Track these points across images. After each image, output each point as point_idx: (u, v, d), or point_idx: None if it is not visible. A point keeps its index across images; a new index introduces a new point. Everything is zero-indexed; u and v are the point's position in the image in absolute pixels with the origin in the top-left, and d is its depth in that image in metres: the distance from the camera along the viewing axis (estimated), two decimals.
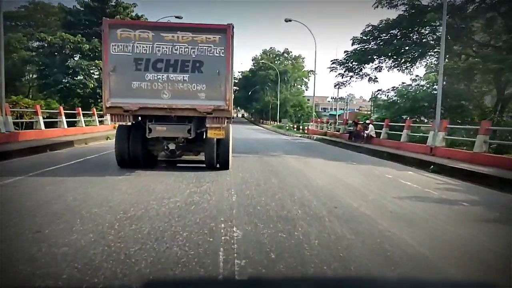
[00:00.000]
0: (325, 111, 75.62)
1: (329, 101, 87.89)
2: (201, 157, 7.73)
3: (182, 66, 6.44)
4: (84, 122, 16.22)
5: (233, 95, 7.22)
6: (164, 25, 7.49)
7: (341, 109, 68.69)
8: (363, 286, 2.34)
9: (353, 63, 17.90)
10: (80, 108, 15.77)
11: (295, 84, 63.07)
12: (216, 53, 6.45)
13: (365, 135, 15.44)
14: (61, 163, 7.64)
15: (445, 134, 10.88)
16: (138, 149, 6.94)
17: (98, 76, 25.25)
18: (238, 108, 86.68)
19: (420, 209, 4.84)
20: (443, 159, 9.65)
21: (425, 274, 2.77)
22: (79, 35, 20.35)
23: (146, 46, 6.35)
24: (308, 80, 63.76)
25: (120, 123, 6.63)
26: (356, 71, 18.20)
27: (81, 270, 2.55)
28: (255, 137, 22.04)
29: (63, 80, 21.84)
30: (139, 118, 7.16)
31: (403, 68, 18.53)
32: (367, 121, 16.26)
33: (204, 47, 6.43)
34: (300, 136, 24.97)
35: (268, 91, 60.20)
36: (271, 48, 65.13)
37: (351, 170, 8.65)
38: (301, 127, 32.66)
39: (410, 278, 2.57)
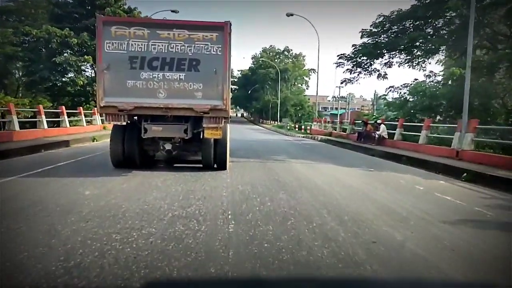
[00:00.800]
0: (325, 110, 74.35)
1: (329, 100, 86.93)
2: (199, 156, 7.39)
3: (178, 64, 6.23)
4: (70, 122, 14.87)
5: (230, 94, 6.96)
6: (160, 22, 7.14)
7: (342, 108, 67.58)
8: (363, 286, 2.10)
9: (362, 57, 16.54)
10: (63, 107, 14.41)
11: (295, 83, 61.81)
12: (213, 51, 6.26)
13: (376, 136, 14.09)
14: (22, 172, 6.28)
15: (474, 135, 9.54)
16: (133, 150, 6.79)
17: (89, 73, 23.94)
18: (238, 107, 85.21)
19: (488, 244, 3.50)
20: (475, 165, 8.31)
21: None
22: (67, 28, 18.97)
23: (141, 44, 6.13)
24: (309, 78, 62.55)
25: (115, 122, 6.41)
26: (365, 66, 16.85)
27: None
28: (256, 138, 20.70)
29: (52, 78, 20.46)
30: (135, 117, 6.92)
31: (415, 64, 17.19)
32: (378, 121, 14.91)
33: (201, 45, 6.24)
34: (303, 137, 23.64)
35: (268, 90, 58.85)
36: (271, 46, 63.65)
37: (372, 179, 7.31)
38: (302, 127, 31.28)
39: (410, 278, 2.43)
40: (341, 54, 16.84)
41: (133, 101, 6.17)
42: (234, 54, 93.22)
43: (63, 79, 22.12)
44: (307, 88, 63.56)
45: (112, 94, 6.15)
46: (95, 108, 17.74)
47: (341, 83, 18.34)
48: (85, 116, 17.41)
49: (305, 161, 9.62)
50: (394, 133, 13.91)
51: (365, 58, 16.54)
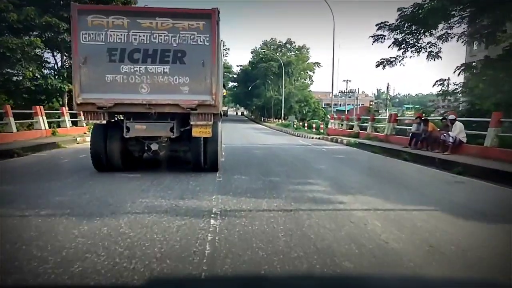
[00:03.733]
0: (330, 106, 69.60)
1: (331, 97, 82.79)
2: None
3: (162, 56, 5.68)
4: None
5: (224, 90, 6.79)
6: (141, 10, 6.55)
7: (349, 104, 63.03)
8: (363, 285, 1.50)
9: (413, 26, 11.56)
10: None
11: (299, 78, 56.96)
12: (200, 41, 5.70)
13: (450, 139, 9.15)
14: None
15: None
16: (116, 150, 6.23)
17: (51, 63, 19.02)
18: (238, 105, 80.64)
19: None
20: None
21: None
22: (5, 0, 14.06)
23: (121, 34, 5.61)
24: (313, 73, 57.66)
25: (94, 121, 5.88)
26: (416, 37, 11.85)
27: None
28: (260, 141, 15.75)
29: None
30: (120, 116, 6.53)
31: (481, 34, 12.22)
32: (449, 117, 9.86)
33: (187, 35, 5.70)
34: (319, 138, 18.76)
35: (270, 86, 53.86)
36: (272, 39, 58.25)
37: None
38: (313, 125, 26.19)
39: (411, 277, 2.15)
40: (381, 23, 11.87)
41: (113, 97, 5.63)
42: (231, 48, 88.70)
43: (15, 72, 17.21)
44: (311, 83, 58.87)
45: (89, 90, 5.61)
46: (38, 107, 12.89)
47: (377, 66, 12.77)
48: (25, 118, 12.57)
49: (379, 202, 4.66)
50: (472, 134, 9.03)
51: (417, 27, 11.54)
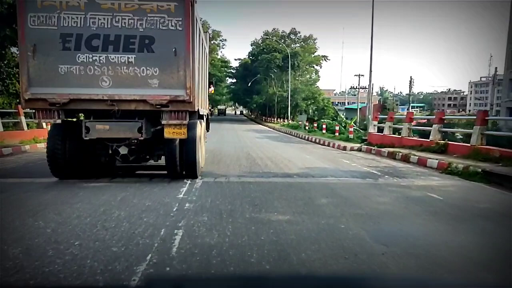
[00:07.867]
0: (338, 105, 63.76)
1: (335, 94, 79.01)
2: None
3: (126, 43, 5.10)
4: None
5: (211, 88, 5.79)
6: None
7: (353, 102, 58.36)
8: (363, 285, 1.42)
9: None
10: None
11: (305, 73, 50.09)
12: (171, 26, 5.12)
13: None
14: None
15: None
16: (77, 155, 5.59)
17: None
18: (236, 104, 74.50)
19: None
20: None
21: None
22: None
23: (77, 18, 4.98)
24: (320, 67, 50.71)
25: (47, 120, 5.30)
26: None
27: None
28: (277, 164, 8.79)
29: None
30: (80, 114, 6.00)
31: None
32: None
33: (155, 19, 5.09)
34: (360, 150, 12.04)
35: (273, 81, 46.87)
36: (274, 29, 51.20)
37: None
38: (336, 129, 19.13)
39: (410, 278, 2.17)
40: None
41: (68, 92, 5.06)
42: (231, 43, 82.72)
43: None
44: (318, 79, 52.15)
45: (40, 84, 5.04)
46: None
47: None
48: None
49: None
50: None
51: None
